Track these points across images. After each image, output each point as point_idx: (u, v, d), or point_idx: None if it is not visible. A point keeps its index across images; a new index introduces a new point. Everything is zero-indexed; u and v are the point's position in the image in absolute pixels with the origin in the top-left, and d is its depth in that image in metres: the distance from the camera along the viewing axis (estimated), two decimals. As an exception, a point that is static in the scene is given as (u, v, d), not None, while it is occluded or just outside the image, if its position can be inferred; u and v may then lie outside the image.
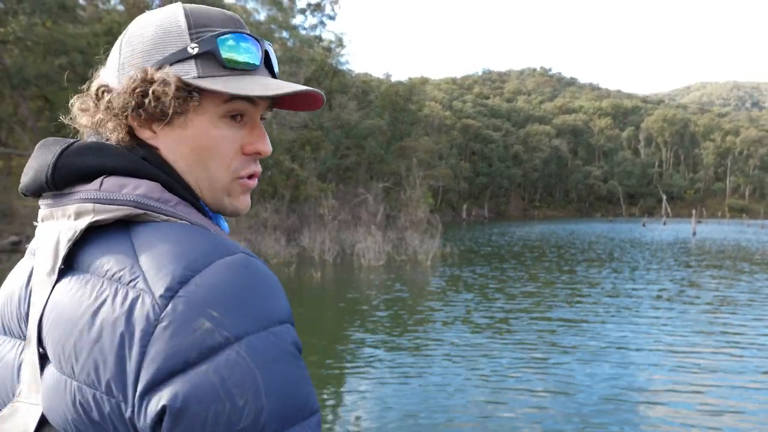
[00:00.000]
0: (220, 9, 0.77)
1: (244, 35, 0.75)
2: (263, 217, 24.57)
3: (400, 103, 52.23)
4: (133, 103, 0.71)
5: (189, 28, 0.73)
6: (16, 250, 21.14)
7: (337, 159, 41.51)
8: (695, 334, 8.81)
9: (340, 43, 47.92)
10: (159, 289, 0.59)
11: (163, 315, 0.58)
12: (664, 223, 63.10)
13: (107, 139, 0.74)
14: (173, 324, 0.58)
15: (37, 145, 0.75)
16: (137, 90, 0.71)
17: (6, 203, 23.68)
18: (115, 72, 0.74)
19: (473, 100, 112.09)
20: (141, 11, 0.74)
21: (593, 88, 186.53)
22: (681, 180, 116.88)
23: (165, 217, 0.68)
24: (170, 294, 0.59)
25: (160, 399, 0.56)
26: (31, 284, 0.71)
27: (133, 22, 0.76)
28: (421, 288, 13.70)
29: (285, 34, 40.48)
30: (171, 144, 0.74)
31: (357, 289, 13.61)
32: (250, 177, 0.79)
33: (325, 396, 5.98)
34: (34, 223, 0.76)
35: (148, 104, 0.71)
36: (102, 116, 0.74)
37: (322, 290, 13.44)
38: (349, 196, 32.44)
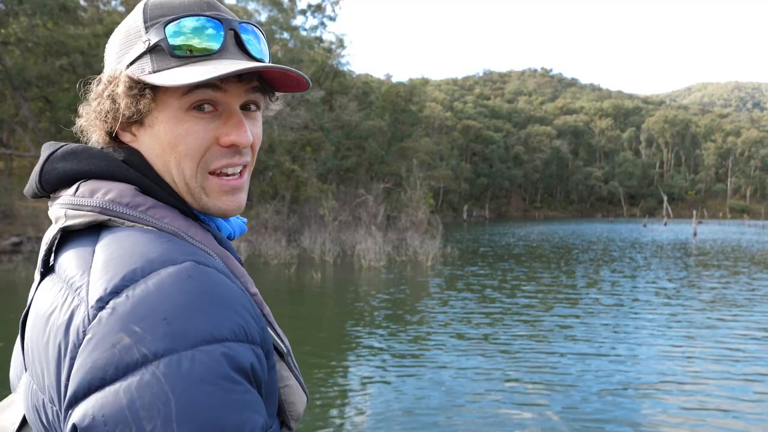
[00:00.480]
0: None
1: (200, 17, 0.70)
2: (264, 218, 24.59)
3: (400, 103, 52.28)
4: (105, 107, 0.71)
5: (145, 23, 0.70)
6: (17, 251, 21.17)
7: (338, 160, 41.57)
8: (692, 333, 8.83)
9: (340, 44, 48.03)
10: (92, 299, 0.57)
11: (89, 327, 0.56)
12: (665, 224, 63.10)
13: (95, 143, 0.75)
14: (95, 337, 0.55)
15: (42, 149, 0.76)
16: (105, 94, 0.71)
17: (7, 204, 23.72)
18: (98, 79, 0.75)
19: (474, 100, 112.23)
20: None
21: (594, 88, 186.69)
22: (682, 181, 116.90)
23: (130, 223, 0.66)
24: (100, 305, 0.57)
25: (74, 415, 0.54)
26: None
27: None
28: (421, 288, 13.72)
29: (286, 35, 40.62)
30: (148, 145, 0.72)
31: (357, 289, 13.64)
32: (233, 174, 0.74)
33: (325, 396, 6.00)
34: None
35: (110, 107, 0.71)
36: (84, 121, 0.75)
37: (322, 291, 13.46)
38: (349, 197, 32.49)
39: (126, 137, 0.73)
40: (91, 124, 0.74)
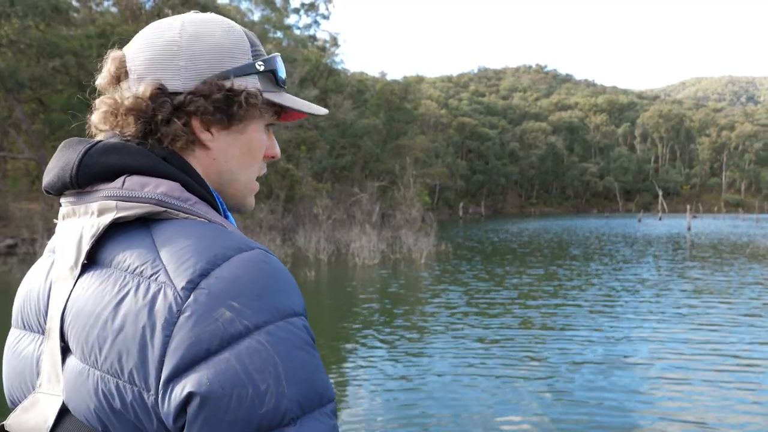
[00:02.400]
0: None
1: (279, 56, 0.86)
2: (258, 217, 24.66)
3: (395, 101, 52.32)
4: (210, 107, 0.76)
5: (252, 46, 0.81)
6: (12, 253, 21.19)
7: (333, 158, 41.61)
8: (679, 323, 8.95)
9: (334, 42, 48.04)
10: (181, 282, 0.62)
11: (185, 306, 0.61)
12: (660, 219, 63.35)
13: (127, 140, 0.76)
14: (195, 314, 0.60)
15: (61, 145, 0.77)
16: (214, 95, 0.76)
17: (2, 206, 23.73)
18: (174, 75, 0.76)
19: (469, 97, 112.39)
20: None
21: (589, 84, 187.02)
22: (677, 175, 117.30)
23: (185, 215, 0.70)
24: (192, 286, 0.62)
25: (185, 386, 0.59)
26: (49, 280, 0.74)
27: (175, 24, 0.78)
28: (415, 285, 13.82)
29: (279, 34, 40.64)
30: (224, 146, 0.80)
31: (351, 287, 13.73)
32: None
33: None
34: (54, 221, 0.79)
35: (233, 109, 0.77)
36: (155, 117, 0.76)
37: (316, 289, 13.55)
38: (344, 195, 32.58)
39: (205, 135, 0.78)
40: (165, 120, 0.75)
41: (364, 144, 44.25)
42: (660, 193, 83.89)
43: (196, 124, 0.77)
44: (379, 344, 8.11)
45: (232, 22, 0.82)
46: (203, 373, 0.59)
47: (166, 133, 0.76)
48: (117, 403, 0.63)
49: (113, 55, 0.79)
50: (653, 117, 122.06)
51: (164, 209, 0.69)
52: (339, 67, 48.83)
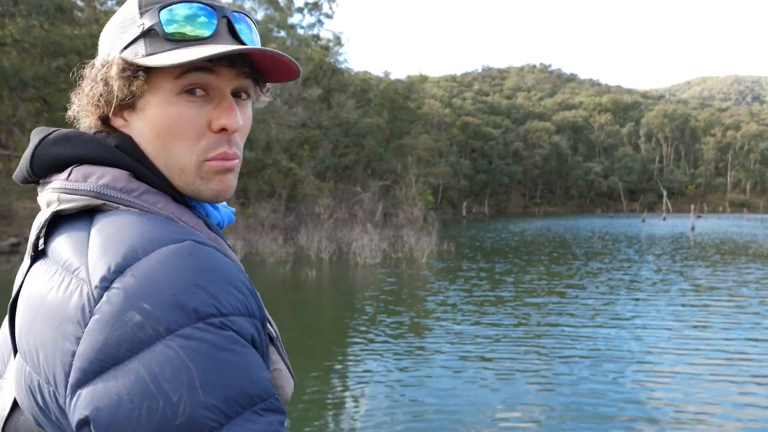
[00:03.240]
0: None
1: (196, 4, 0.72)
2: (261, 216, 24.71)
3: (399, 101, 52.27)
4: (98, 91, 0.72)
5: (140, 9, 0.72)
6: (15, 251, 21.30)
7: (336, 158, 41.63)
8: (677, 320, 8.95)
9: (338, 41, 48.04)
10: (95, 279, 0.58)
11: (97, 306, 0.57)
12: (664, 219, 63.19)
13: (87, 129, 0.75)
14: (105, 316, 0.56)
15: (31, 134, 0.76)
16: (98, 78, 0.72)
17: (5, 205, 23.85)
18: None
19: (473, 97, 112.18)
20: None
21: (593, 83, 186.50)
22: (682, 175, 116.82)
23: (125, 207, 0.67)
24: (105, 285, 0.58)
25: (90, 396, 0.55)
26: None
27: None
28: (416, 285, 13.84)
29: (283, 33, 40.67)
30: (139, 130, 0.73)
31: (352, 286, 13.76)
32: (225, 157, 0.74)
33: (322, 393, 6.11)
34: None
35: (103, 90, 0.72)
36: (77, 107, 0.76)
37: (318, 288, 13.58)
38: (347, 194, 32.61)
39: (117, 122, 0.74)
40: (84, 109, 0.75)
41: (367, 143, 44.24)
42: (664, 193, 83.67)
43: (105, 110, 0.74)
44: (379, 341, 8.14)
45: None
46: (110, 384, 0.54)
47: (81, 121, 0.76)
48: (39, 400, 0.61)
49: None
50: (658, 116, 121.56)
51: (103, 202, 0.67)
52: (342, 66, 48.83)
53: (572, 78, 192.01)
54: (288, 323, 9.26)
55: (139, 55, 0.70)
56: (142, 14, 0.71)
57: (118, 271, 0.58)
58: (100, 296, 0.57)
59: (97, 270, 0.59)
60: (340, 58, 50.33)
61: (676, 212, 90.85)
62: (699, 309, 10.45)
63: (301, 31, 44.36)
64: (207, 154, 0.73)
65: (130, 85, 0.70)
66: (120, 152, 0.71)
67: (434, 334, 8.63)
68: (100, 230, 0.64)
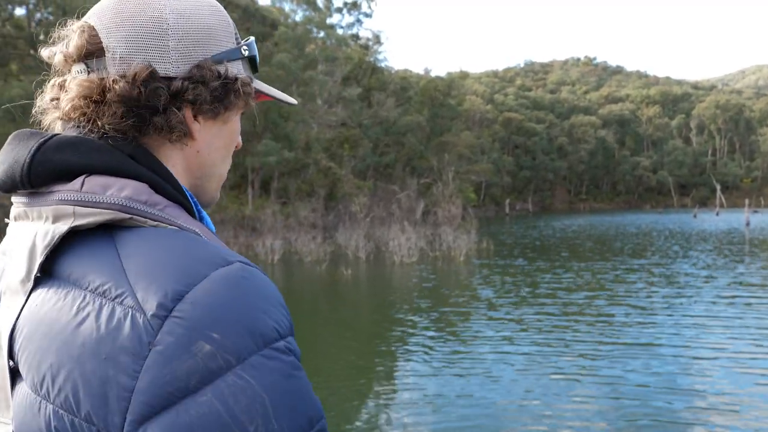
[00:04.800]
0: None
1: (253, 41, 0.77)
2: (300, 215, 24.94)
3: (439, 98, 52.04)
4: (208, 95, 0.69)
5: (234, 29, 0.74)
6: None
7: (377, 156, 41.71)
8: (726, 321, 8.56)
9: (377, 40, 48.17)
10: (151, 308, 0.54)
11: (158, 337, 0.53)
12: (717, 214, 60.87)
13: (88, 133, 0.66)
14: (170, 347, 0.53)
15: (11, 137, 0.67)
16: (212, 83, 0.69)
17: (7, 205, 24.74)
18: (162, 57, 0.67)
19: (515, 92, 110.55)
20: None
21: (640, 75, 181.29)
22: (736, 168, 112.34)
23: (153, 222, 0.62)
24: (164, 313, 0.54)
25: (157, 430, 0.52)
26: (1, 289, 0.65)
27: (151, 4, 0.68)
28: (453, 283, 13.68)
29: (322, 34, 40.94)
30: (209, 137, 0.72)
31: (387, 285, 13.70)
32: None
33: (359, 391, 6.06)
34: (6, 220, 0.70)
35: (230, 98, 0.71)
36: (111, 106, 0.65)
37: (354, 287, 13.58)
38: (386, 193, 32.60)
39: (195, 126, 0.70)
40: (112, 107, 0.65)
41: (407, 141, 44.17)
42: (718, 187, 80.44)
43: (188, 113, 0.69)
44: (414, 340, 8.10)
45: (215, 0, 0.74)
46: (181, 417, 0.52)
47: (158, 124, 0.67)
48: None
49: (80, 25, 0.67)
50: (710, 108, 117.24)
51: (130, 216, 0.60)
52: (382, 64, 49.00)
53: (618, 70, 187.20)
54: (324, 320, 9.28)
55: (242, 74, 0.73)
56: (236, 36, 0.74)
57: (177, 299, 0.55)
58: (159, 326, 0.54)
59: (150, 297, 0.55)
60: (380, 57, 50.54)
61: (731, 207, 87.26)
62: (752, 310, 9.98)
63: (340, 31, 44.66)
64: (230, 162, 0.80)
65: (247, 101, 0.74)
66: (135, 163, 0.65)
67: (470, 332, 8.51)
68: (137, 250, 0.59)
